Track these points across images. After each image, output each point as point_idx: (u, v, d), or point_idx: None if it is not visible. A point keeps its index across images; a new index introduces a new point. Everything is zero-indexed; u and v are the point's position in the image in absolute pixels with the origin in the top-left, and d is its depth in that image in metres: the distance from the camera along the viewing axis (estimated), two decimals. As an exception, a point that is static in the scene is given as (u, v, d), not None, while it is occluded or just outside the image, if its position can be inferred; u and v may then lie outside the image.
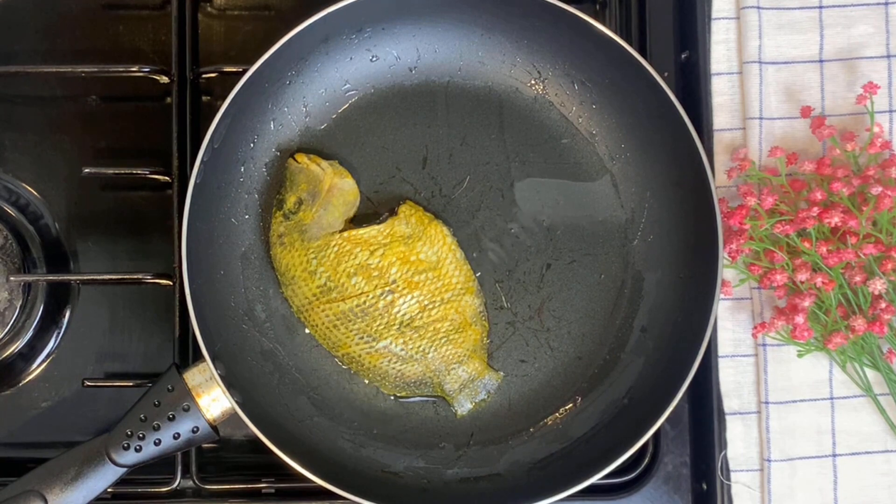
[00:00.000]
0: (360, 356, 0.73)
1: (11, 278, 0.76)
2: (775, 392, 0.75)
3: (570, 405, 0.75)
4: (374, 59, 0.75)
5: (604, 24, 0.72)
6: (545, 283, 0.75)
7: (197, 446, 0.72)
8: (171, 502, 0.75)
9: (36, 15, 0.80)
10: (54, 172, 0.79)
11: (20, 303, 0.77)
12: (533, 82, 0.76)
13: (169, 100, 0.76)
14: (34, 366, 0.78)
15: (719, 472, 0.75)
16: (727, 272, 0.75)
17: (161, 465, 0.71)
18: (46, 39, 0.80)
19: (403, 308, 0.73)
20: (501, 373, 0.75)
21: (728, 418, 0.76)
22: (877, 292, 0.71)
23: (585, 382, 0.75)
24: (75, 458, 0.68)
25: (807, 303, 0.71)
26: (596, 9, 0.81)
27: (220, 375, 0.68)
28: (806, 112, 0.75)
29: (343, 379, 0.75)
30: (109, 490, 0.69)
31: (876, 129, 0.73)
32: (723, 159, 0.77)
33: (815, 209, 0.71)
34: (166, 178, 0.76)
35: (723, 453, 0.75)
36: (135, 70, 0.77)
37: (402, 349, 0.73)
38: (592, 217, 0.76)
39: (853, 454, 0.75)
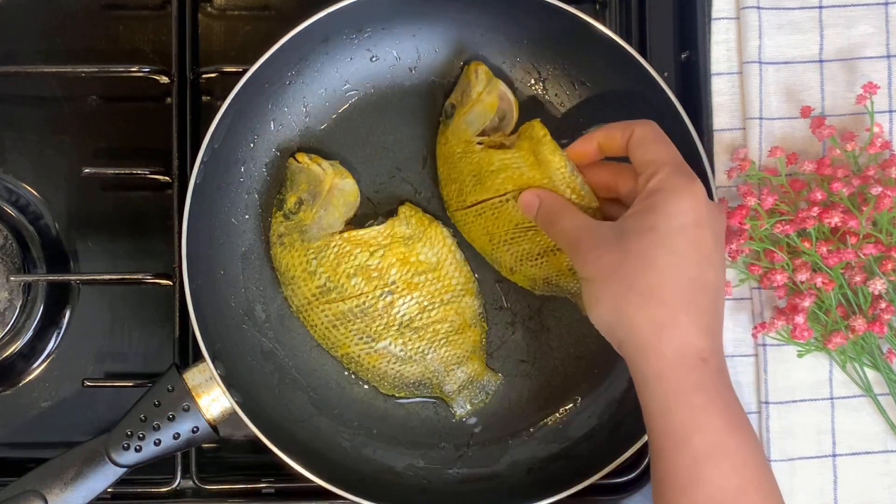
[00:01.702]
0: (359, 356, 0.73)
1: (11, 278, 0.76)
2: (775, 392, 0.75)
3: (570, 405, 0.75)
4: (375, 59, 0.75)
5: (604, 24, 0.72)
6: (545, 283, 0.76)
7: (197, 446, 0.72)
8: (171, 502, 0.75)
9: (36, 15, 0.80)
10: (54, 172, 0.79)
11: (20, 303, 0.77)
12: (533, 82, 0.76)
13: (169, 100, 0.76)
14: (34, 366, 0.78)
15: (719, 472, 0.75)
16: (727, 272, 0.75)
17: (161, 465, 0.71)
18: (46, 39, 0.80)
19: (403, 309, 0.73)
20: (500, 374, 0.75)
21: (728, 418, 0.76)
22: (877, 292, 0.71)
23: (585, 382, 0.75)
24: (75, 458, 0.68)
25: (807, 303, 0.71)
26: (596, 9, 0.81)
27: (220, 375, 0.68)
28: (806, 112, 0.75)
29: (343, 379, 0.75)
30: (109, 490, 0.69)
31: (876, 129, 0.73)
32: (723, 159, 0.77)
33: (815, 209, 0.71)
34: (166, 178, 0.76)
35: (723, 453, 0.75)
36: (135, 70, 0.77)
37: (402, 350, 0.73)
38: (592, 217, 0.76)
39: (853, 454, 0.75)
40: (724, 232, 0.63)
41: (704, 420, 0.58)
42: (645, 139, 0.65)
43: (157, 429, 0.68)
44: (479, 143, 0.72)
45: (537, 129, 0.69)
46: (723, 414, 0.58)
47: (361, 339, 0.73)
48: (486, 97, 0.72)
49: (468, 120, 0.72)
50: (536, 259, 0.72)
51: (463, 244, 0.75)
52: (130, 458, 0.68)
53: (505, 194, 0.71)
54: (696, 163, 0.70)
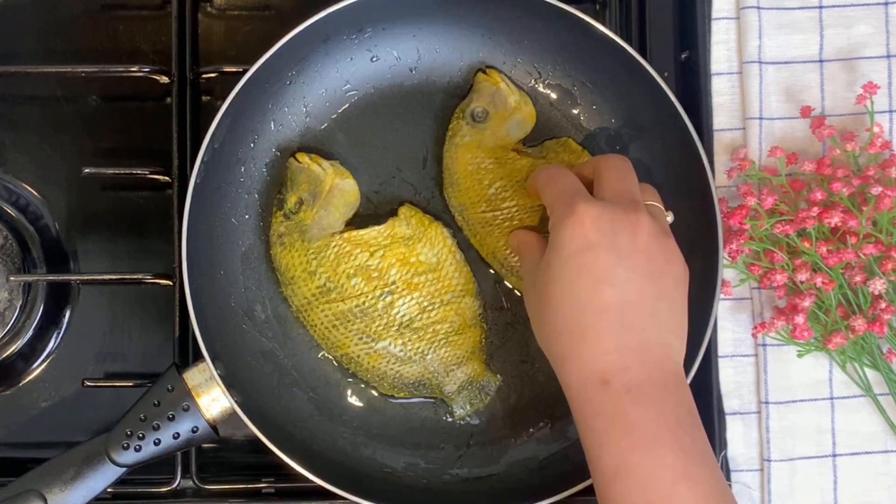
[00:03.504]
0: (358, 357, 0.73)
1: (11, 278, 0.76)
2: (775, 392, 0.75)
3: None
4: (375, 59, 0.75)
5: (604, 24, 0.72)
6: (545, 283, 0.75)
7: (197, 446, 0.72)
8: (171, 502, 0.75)
9: (36, 15, 0.80)
10: (54, 172, 0.79)
11: (20, 303, 0.77)
12: (533, 82, 0.76)
13: (169, 100, 0.76)
14: (34, 366, 0.78)
15: (719, 473, 0.75)
16: (727, 272, 0.75)
17: (161, 465, 0.71)
18: (46, 39, 0.80)
19: (403, 309, 0.73)
20: (500, 375, 0.75)
21: (728, 418, 0.76)
22: (877, 292, 0.71)
23: (585, 382, 0.75)
24: (75, 458, 0.68)
25: (807, 303, 0.71)
26: (596, 9, 0.81)
27: (219, 375, 0.68)
28: (806, 112, 0.75)
29: (342, 379, 0.75)
30: (109, 490, 0.69)
31: (876, 129, 0.73)
32: (723, 159, 0.77)
33: (815, 209, 0.71)
34: (166, 178, 0.76)
35: (723, 453, 0.75)
36: (135, 70, 0.77)
37: (401, 350, 0.73)
38: (592, 217, 0.76)
39: (853, 454, 0.75)
40: (639, 244, 0.61)
41: (608, 443, 0.59)
42: (595, 174, 0.66)
43: (156, 428, 0.68)
44: (514, 151, 0.74)
45: (574, 144, 0.74)
46: (626, 434, 0.58)
47: (361, 339, 0.73)
48: (524, 107, 0.74)
49: (508, 127, 0.74)
50: None
51: (464, 245, 0.75)
52: (130, 457, 0.68)
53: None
54: (696, 163, 0.70)
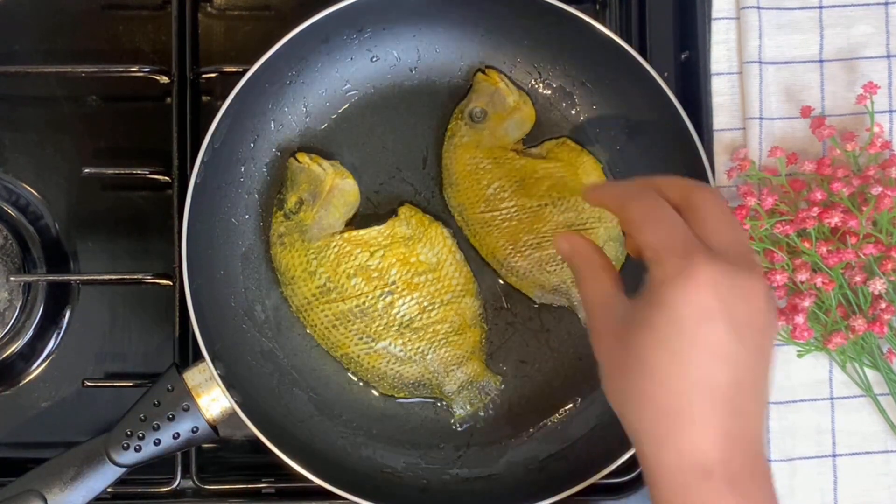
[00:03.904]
0: (358, 357, 0.73)
1: (11, 278, 0.76)
2: (775, 392, 0.75)
3: (570, 405, 0.75)
4: (375, 59, 0.75)
5: (604, 24, 0.72)
6: (545, 283, 0.76)
7: (197, 446, 0.72)
8: (171, 502, 0.75)
9: (36, 15, 0.80)
10: (54, 172, 0.79)
11: (20, 303, 0.77)
12: (533, 82, 0.76)
13: (169, 100, 0.76)
14: (34, 366, 0.78)
15: (719, 473, 0.75)
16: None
17: (161, 465, 0.71)
18: (46, 39, 0.80)
19: (403, 309, 0.73)
20: (500, 375, 0.75)
21: (728, 418, 0.76)
22: (877, 292, 0.71)
23: (585, 383, 0.75)
24: (75, 458, 0.68)
25: (807, 303, 0.71)
26: (596, 9, 0.80)
27: (219, 375, 0.68)
28: (806, 112, 0.75)
29: (343, 379, 0.75)
30: (109, 490, 0.69)
31: (876, 129, 0.73)
32: (723, 159, 0.77)
33: (815, 209, 0.71)
34: (166, 178, 0.76)
35: (723, 453, 0.75)
36: (135, 70, 0.77)
37: (401, 350, 0.73)
38: (592, 217, 0.76)
39: (853, 454, 0.75)
40: (755, 315, 0.54)
41: None
42: (692, 210, 0.57)
43: (156, 429, 0.68)
44: (513, 151, 0.74)
45: (573, 144, 0.75)
46: None
47: (361, 339, 0.73)
48: (524, 107, 0.74)
49: (506, 127, 0.74)
50: (558, 264, 0.74)
51: (464, 245, 0.75)
52: (130, 457, 0.68)
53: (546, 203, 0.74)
54: (696, 163, 0.70)
